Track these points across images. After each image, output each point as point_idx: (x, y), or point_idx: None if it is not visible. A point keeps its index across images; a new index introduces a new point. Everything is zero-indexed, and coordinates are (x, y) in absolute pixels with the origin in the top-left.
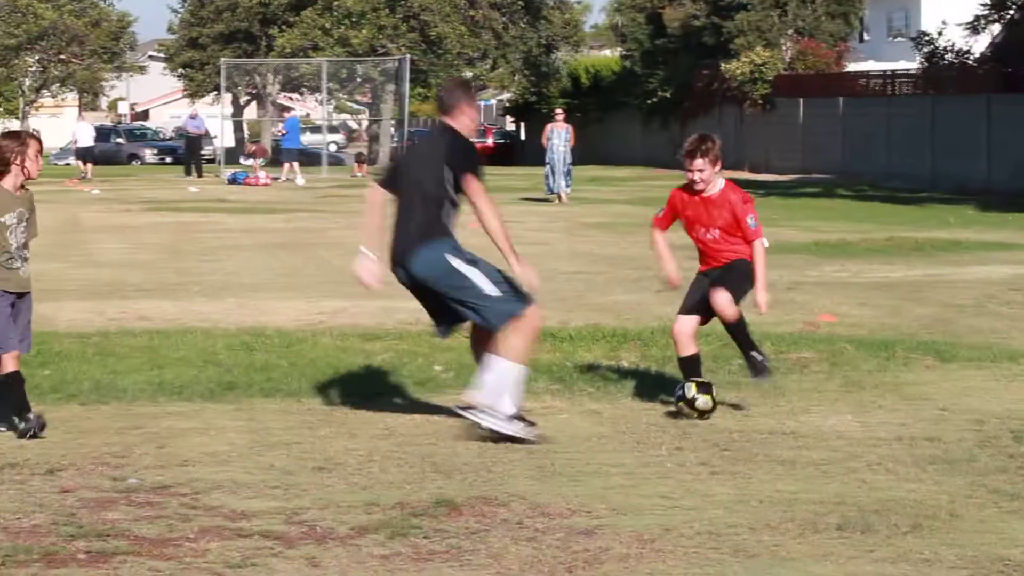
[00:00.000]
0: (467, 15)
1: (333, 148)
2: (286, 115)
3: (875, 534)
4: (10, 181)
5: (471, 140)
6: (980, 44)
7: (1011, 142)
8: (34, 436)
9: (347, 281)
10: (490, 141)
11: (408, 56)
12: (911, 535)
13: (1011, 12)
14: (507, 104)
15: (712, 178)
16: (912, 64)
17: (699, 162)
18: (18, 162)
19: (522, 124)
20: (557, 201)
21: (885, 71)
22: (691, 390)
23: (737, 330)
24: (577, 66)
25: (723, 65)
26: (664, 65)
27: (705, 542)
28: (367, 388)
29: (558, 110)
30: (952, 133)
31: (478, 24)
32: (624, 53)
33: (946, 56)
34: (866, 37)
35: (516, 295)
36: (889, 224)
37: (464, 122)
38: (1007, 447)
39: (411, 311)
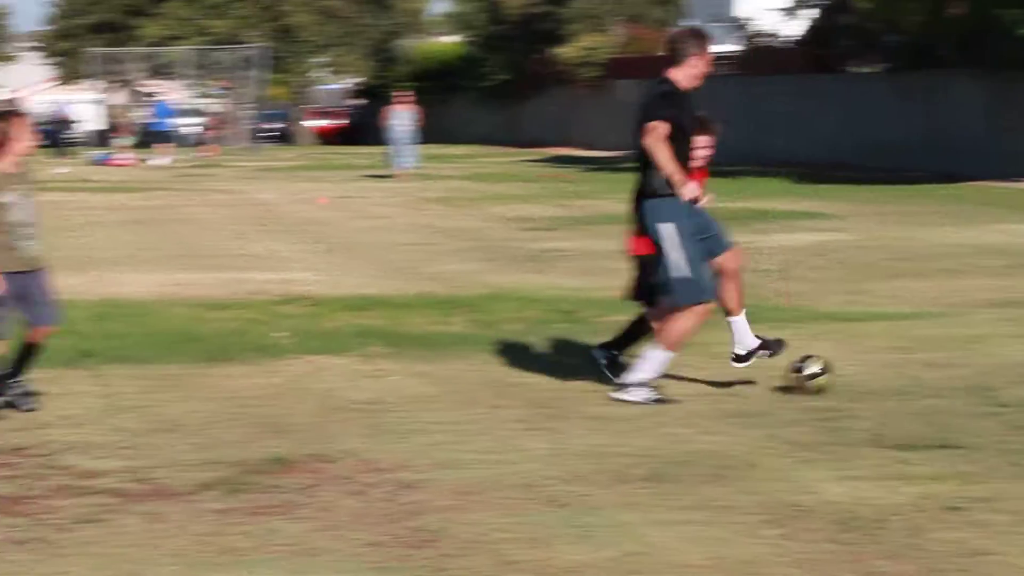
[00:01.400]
0: (320, 5)
1: (196, 131)
2: (155, 100)
3: (679, 483)
4: (4, 160)
5: (677, 89)
6: (793, 28)
7: (821, 118)
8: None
9: (201, 255)
10: (339, 122)
11: (265, 44)
12: (712, 484)
13: None
14: (355, 88)
15: None
16: (731, 47)
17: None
18: (11, 140)
19: (369, 106)
20: (401, 177)
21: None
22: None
23: None
24: (421, 50)
25: (556, 50)
26: (501, 51)
27: (521, 493)
28: (214, 354)
29: (402, 93)
30: (767, 110)
31: (330, 13)
32: (464, 39)
33: (762, 39)
34: (689, 22)
35: (701, 283)
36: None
37: (687, 72)
38: (803, 401)
39: (258, 283)
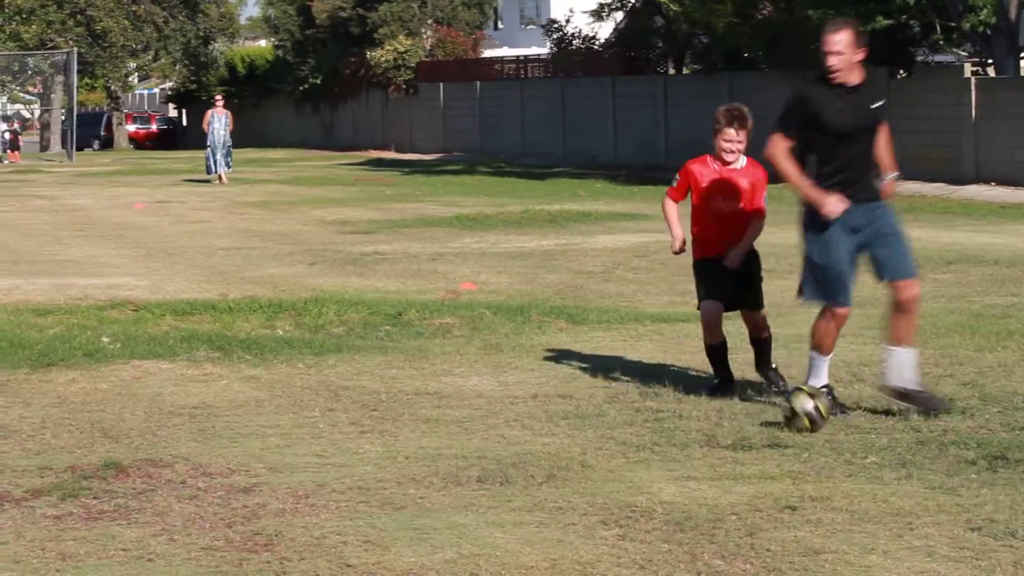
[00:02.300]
0: (130, 10)
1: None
2: None
3: (513, 485)
4: None
5: (801, 92)
6: (605, 30)
7: (634, 120)
8: None
9: (22, 261)
10: (154, 127)
11: (75, 49)
12: (546, 485)
13: (632, 0)
14: (169, 92)
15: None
16: (543, 50)
17: (732, 132)
18: None
19: (184, 111)
20: (218, 182)
21: (518, 56)
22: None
23: (767, 346)
24: (234, 56)
25: (368, 53)
26: (314, 54)
27: (355, 496)
28: (40, 359)
29: (217, 97)
30: (581, 113)
31: (140, 18)
32: (277, 43)
33: (573, 42)
34: (500, 25)
35: (824, 288)
36: (524, 198)
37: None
38: (634, 402)
39: (80, 288)
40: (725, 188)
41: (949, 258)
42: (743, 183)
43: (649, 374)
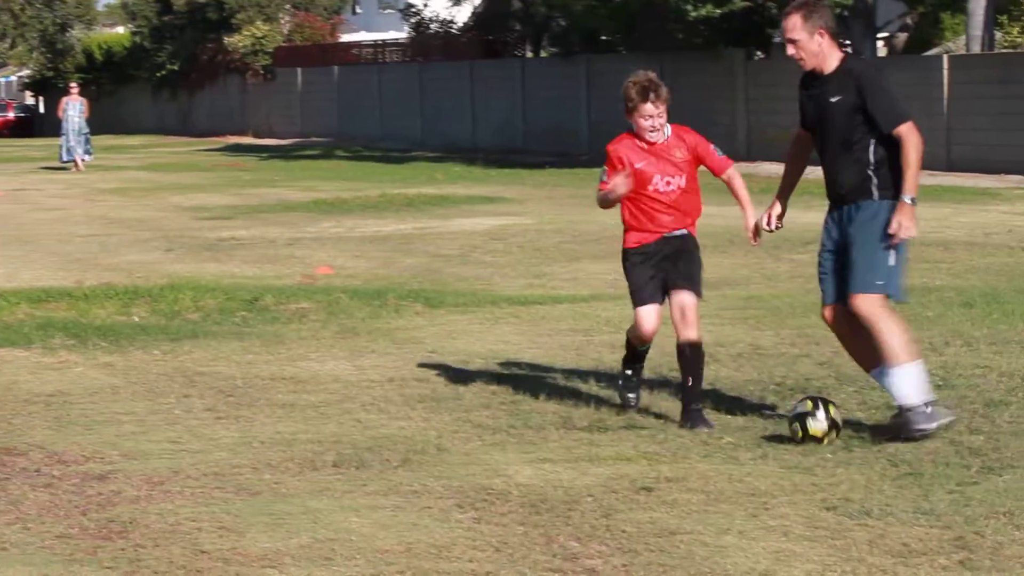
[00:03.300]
0: None
1: None
2: None
3: (368, 469)
4: None
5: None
6: (463, 14)
7: (492, 104)
8: None
9: None
10: (11, 115)
11: None
12: (402, 469)
13: None
14: (26, 80)
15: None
16: (401, 34)
17: (650, 107)
18: None
19: (41, 98)
20: (74, 169)
21: (376, 41)
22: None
23: (698, 366)
24: (91, 43)
25: (226, 39)
26: (172, 40)
27: (211, 482)
28: None
29: (73, 84)
30: (439, 96)
31: None
32: (134, 30)
33: (431, 26)
34: (358, 10)
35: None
36: (382, 182)
37: None
38: (490, 385)
39: None
40: (660, 166)
41: (807, 239)
42: (677, 156)
43: (505, 357)
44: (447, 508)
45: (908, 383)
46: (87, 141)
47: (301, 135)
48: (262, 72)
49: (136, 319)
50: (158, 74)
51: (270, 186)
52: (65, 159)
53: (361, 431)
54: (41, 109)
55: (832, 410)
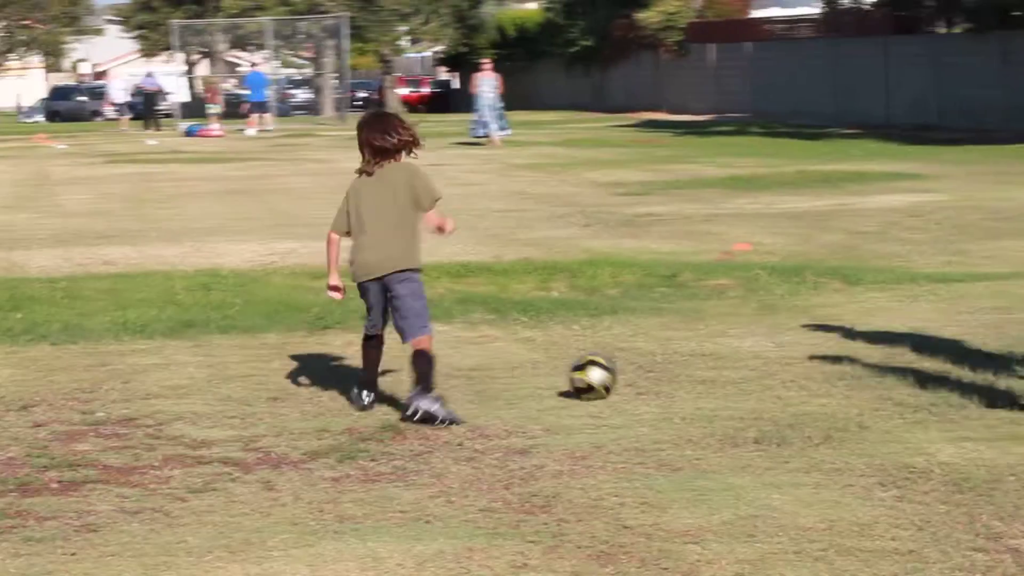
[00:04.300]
0: None
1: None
2: (249, 70)
3: (790, 446)
4: None
5: None
6: None
7: (906, 80)
8: None
9: (296, 224)
10: (426, 90)
11: (347, 14)
12: (823, 446)
13: None
14: (440, 55)
15: None
16: (814, 10)
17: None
18: None
19: (455, 74)
20: (490, 144)
21: (789, 16)
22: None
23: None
24: (503, 18)
25: (638, 15)
26: (584, 16)
27: (632, 457)
28: (316, 322)
29: (485, 60)
30: (852, 72)
31: None
32: (547, 6)
33: (844, 2)
34: None
35: None
36: (797, 158)
37: None
38: (910, 362)
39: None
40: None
41: None
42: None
43: (925, 335)
44: (869, 486)
45: None
46: (501, 117)
47: (715, 111)
48: (675, 48)
49: (555, 294)
50: (571, 50)
51: (686, 162)
52: (480, 134)
53: (782, 408)
54: (455, 85)
55: None
